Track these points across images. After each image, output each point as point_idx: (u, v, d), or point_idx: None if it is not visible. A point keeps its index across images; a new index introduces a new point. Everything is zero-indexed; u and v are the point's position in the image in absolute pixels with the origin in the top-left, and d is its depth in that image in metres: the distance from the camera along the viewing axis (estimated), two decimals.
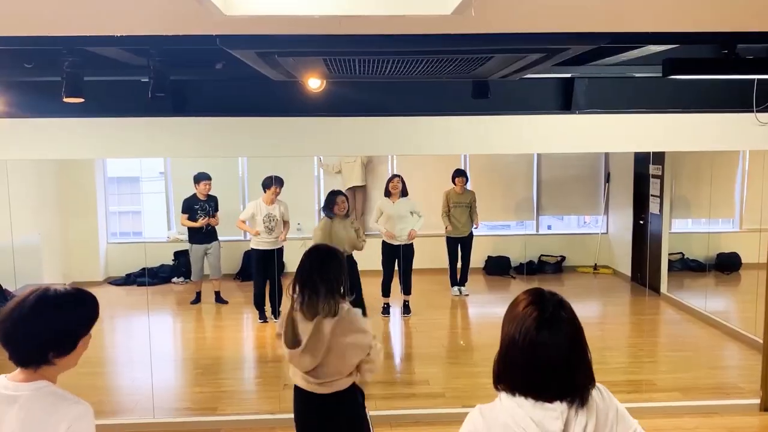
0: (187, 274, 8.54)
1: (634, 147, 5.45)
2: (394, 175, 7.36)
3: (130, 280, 8.29)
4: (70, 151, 4.51)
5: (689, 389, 4.91)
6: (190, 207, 7.37)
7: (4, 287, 6.38)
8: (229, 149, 4.61)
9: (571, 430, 1.55)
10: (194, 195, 7.43)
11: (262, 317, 6.88)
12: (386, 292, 7.22)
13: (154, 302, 7.76)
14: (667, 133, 4.54)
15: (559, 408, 1.56)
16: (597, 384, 1.65)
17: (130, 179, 9.65)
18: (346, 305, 2.85)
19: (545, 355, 1.54)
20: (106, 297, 8.09)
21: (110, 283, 8.34)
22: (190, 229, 7.39)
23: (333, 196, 6.18)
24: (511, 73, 2.58)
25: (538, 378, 1.55)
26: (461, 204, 7.80)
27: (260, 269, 6.89)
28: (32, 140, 4.32)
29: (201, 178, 7.39)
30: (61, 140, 4.34)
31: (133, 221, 9.68)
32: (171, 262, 8.60)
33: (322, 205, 6.36)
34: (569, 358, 1.56)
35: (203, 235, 7.40)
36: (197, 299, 7.60)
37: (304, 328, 2.82)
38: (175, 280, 8.44)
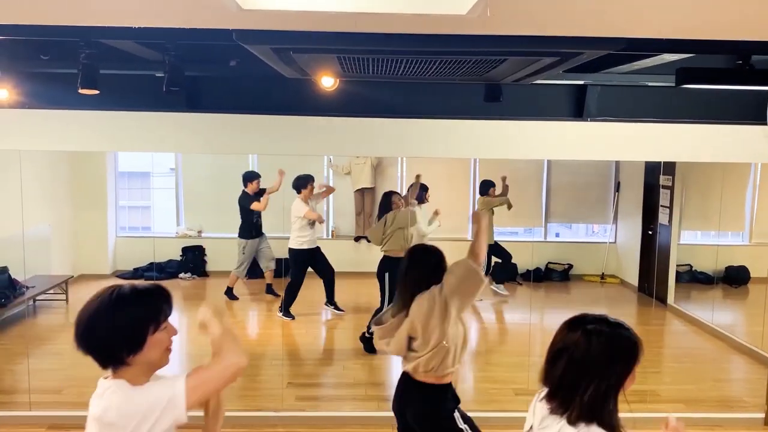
0: (194, 270, 8.59)
1: (645, 156, 5.43)
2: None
3: (137, 274, 8.33)
4: (83, 144, 4.55)
5: (694, 401, 4.89)
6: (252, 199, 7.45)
7: (14, 277, 6.43)
8: (240, 146, 4.64)
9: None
10: (245, 192, 7.47)
11: (290, 315, 6.91)
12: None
13: None
14: (678, 143, 4.52)
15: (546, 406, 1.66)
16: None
17: (141, 174, 9.71)
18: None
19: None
20: None
21: (118, 276, 8.38)
22: (245, 225, 7.44)
23: (388, 197, 6.17)
24: (524, 77, 2.58)
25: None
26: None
27: (303, 269, 6.91)
28: (46, 131, 4.36)
29: (253, 177, 7.46)
30: (75, 132, 4.37)
31: (143, 216, 9.74)
32: (179, 258, 8.64)
33: (378, 206, 6.35)
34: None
35: (257, 230, 7.49)
36: (234, 295, 7.65)
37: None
38: (182, 275, 8.48)
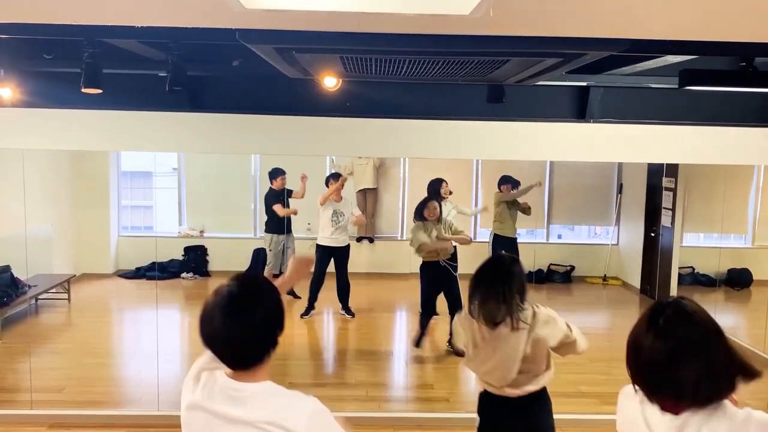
0: (196, 270, 8.60)
1: (647, 158, 5.43)
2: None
3: (139, 273, 8.35)
4: (86, 143, 4.55)
5: None
6: (277, 198, 7.48)
7: (16, 276, 6.44)
8: (243, 146, 4.64)
9: None
10: (272, 189, 7.49)
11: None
12: None
13: (163, 296, 7.79)
14: (681, 145, 4.51)
15: (680, 419, 1.53)
16: (746, 408, 1.58)
17: (144, 174, 9.73)
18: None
19: (647, 357, 1.57)
20: (115, 290, 8.16)
21: (120, 275, 8.39)
22: (270, 221, 7.48)
23: (425, 202, 6.10)
24: (527, 78, 2.58)
25: (639, 377, 1.59)
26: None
27: (325, 266, 6.96)
28: (49, 130, 4.36)
29: (278, 173, 7.47)
30: (78, 131, 4.37)
31: (145, 215, 9.76)
32: (181, 257, 8.66)
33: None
34: (671, 360, 1.53)
35: (283, 226, 7.54)
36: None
37: None
38: (184, 275, 8.49)
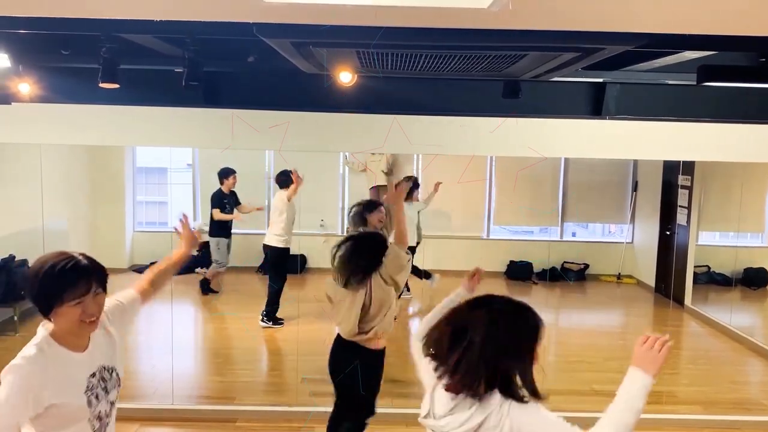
0: (210, 265, 8.64)
1: (664, 155, 5.38)
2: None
3: None
4: (103, 138, 4.59)
5: (711, 403, 4.84)
6: (220, 201, 7.55)
7: None
8: (257, 142, 4.65)
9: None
10: (220, 190, 7.58)
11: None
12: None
13: (177, 291, 7.83)
14: (698, 143, 4.47)
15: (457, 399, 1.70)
16: (509, 400, 1.69)
17: (159, 170, 9.79)
18: None
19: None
20: (130, 284, 8.18)
21: (135, 270, 8.45)
22: (219, 222, 7.55)
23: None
24: (544, 73, 2.57)
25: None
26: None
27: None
28: (66, 125, 4.41)
29: (229, 173, 7.50)
30: (94, 127, 4.41)
31: (160, 211, 9.81)
32: (195, 252, 8.68)
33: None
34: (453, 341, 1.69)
35: (229, 228, 7.64)
36: (211, 289, 7.71)
37: None
38: (198, 269, 8.53)
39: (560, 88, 4.36)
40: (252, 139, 4.46)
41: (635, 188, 9.02)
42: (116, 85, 2.96)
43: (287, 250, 6.75)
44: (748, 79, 2.87)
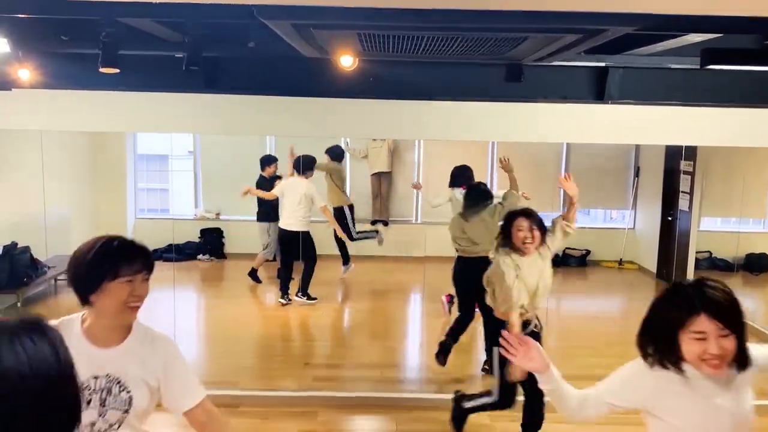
0: (213, 252, 8.66)
1: (666, 140, 5.36)
2: None
3: (156, 255, 8.41)
4: (104, 124, 4.58)
5: None
6: (263, 186, 7.48)
7: (35, 257, 6.52)
8: (258, 128, 4.64)
9: None
10: (262, 176, 7.55)
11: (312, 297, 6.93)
12: None
13: (180, 278, 7.85)
14: (701, 127, 4.46)
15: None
16: None
17: (160, 157, 9.78)
18: None
19: None
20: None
21: None
22: (263, 209, 7.54)
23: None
24: (546, 56, 2.55)
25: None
26: None
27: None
28: (67, 112, 4.40)
29: (271, 161, 7.50)
30: (95, 113, 4.40)
31: (161, 198, 9.82)
32: (197, 240, 8.71)
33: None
34: None
35: (276, 213, 7.54)
36: (258, 278, 7.63)
37: None
38: (200, 257, 8.56)
39: (562, 73, 4.33)
40: (253, 125, 4.45)
41: (637, 174, 9.01)
42: (116, 70, 2.95)
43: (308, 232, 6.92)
44: (753, 61, 2.85)
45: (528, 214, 3.64)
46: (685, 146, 7.68)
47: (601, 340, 5.84)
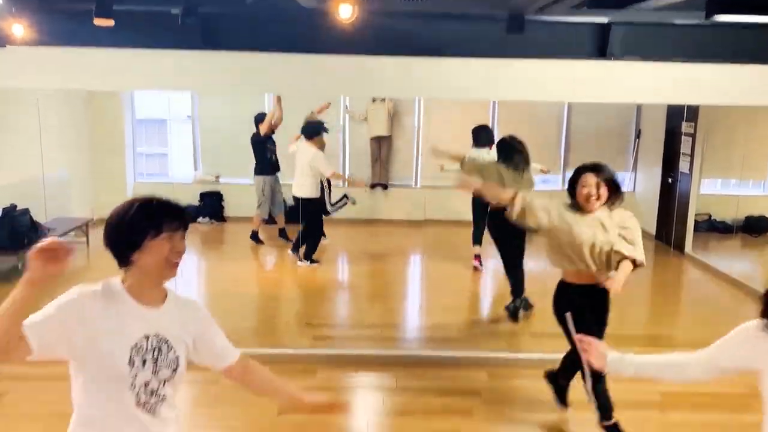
0: (212, 215, 8.67)
1: (669, 99, 5.30)
2: None
3: None
4: (100, 82, 4.53)
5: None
6: (260, 141, 7.43)
7: (35, 219, 6.51)
8: (255, 86, 4.59)
9: None
10: (257, 133, 7.46)
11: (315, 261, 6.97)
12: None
13: None
14: (705, 86, 4.40)
15: None
16: None
17: (158, 121, 9.72)
18: None
19: None
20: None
21: None
22: (259, 163, 7.48)
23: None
24: (549, 4, 2.50)
25: None
26: None
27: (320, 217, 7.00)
28: (62, 69, 4.34)
29: (264, 117, 7.43)
30: (91, 70, 4.35)
31: (160, 163, 9.79)
32: (197, 203, 8.71)
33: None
34: None
35: (273, 167, 7.52)
36: (260, 239, 7.65)
37: None
38: (200, 220, 8.56)
39: (565, 30, 4.28)
40: (250, 83, 4.40)
41: (638, 136, 8.96)
42: (111, 22, 2.90)
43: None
44: (759, 11, 2.80)
45: (596, 169, 3.33)
46: (687, 107, 7.62)
47: None
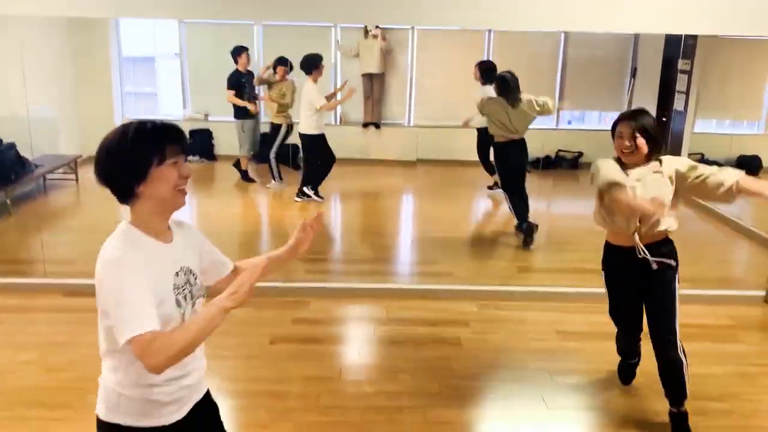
0: (202, 153, 8.58)
1: (668, 28, 5.13)
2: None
3: None
4: (83, 8, 4.36)
5: (696, 280, 4.91)
6: (237, 82, 7.37)
7: (22, 155, 6.42)
8: (242, 13, 4.44)
9: None
10: (236, 70, 7.41)
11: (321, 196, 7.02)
12: None
13: None
14: (705, 14, 4.28)
15: None
16: None
17: (145, 59, 9.51)
18: None
19: None
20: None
21: None
22: (237, 106, 7.46)
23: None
24: None
25: None
26: None
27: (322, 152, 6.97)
28: None
29: (241, 50, 7.32)
30: None
31: (149, 101, 9.63)
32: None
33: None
34: None
35: (245, 110, 7.49)
36: (250, 177, 7.66)
37: None
38: (190, 158, 8.47)
39: None
40: (237, 10, 4.26)
41: (634, 74, 8.84)
42: None
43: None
44: None
45: (632, 116, 2.89)
46: (684, 44, 7.51)
47: (588, 236, 5.89)
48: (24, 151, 6.37)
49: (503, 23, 4.69)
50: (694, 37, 7.25)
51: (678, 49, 7.61)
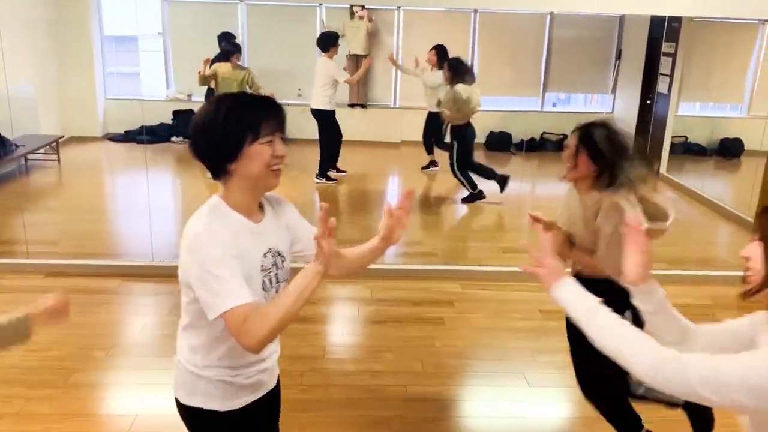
0: (186, 134, 8.49)
1: (652, 9, 5.16)
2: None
3: (129, 137, 8.25)
4: None
5: (677, 261, 5.00)
6: None
7: (2, 134, 6.34)
8: None
9: None
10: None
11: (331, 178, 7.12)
12: None
13: (154, 160, 7.75)
14: None
15: None
16: None
17: (128, 38, 9.38)
18: None
19: None
20: (105, 152, 8.11)
21: (109, 139, 8.30)
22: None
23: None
24: None
25: None
26: None
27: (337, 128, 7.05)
28: None
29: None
30: None
31: (132, 81, 9.51)
32: (170, 122, 8.52)
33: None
34: None
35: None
36: None
37: None
38: (174, 139, 8.40)
39: None
40: None
41: (619, 57, 8.87)
42: None
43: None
44: None
45: (584, 127, 2.39)
46: (668, 27, 7.53)
47: None
48: (4, 131, 6.29)
49: (489, 3, 4.68)
50: (679, 20, 7.28)
51: (662, 33, 7.64)
